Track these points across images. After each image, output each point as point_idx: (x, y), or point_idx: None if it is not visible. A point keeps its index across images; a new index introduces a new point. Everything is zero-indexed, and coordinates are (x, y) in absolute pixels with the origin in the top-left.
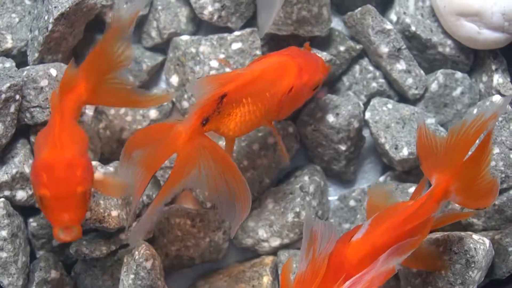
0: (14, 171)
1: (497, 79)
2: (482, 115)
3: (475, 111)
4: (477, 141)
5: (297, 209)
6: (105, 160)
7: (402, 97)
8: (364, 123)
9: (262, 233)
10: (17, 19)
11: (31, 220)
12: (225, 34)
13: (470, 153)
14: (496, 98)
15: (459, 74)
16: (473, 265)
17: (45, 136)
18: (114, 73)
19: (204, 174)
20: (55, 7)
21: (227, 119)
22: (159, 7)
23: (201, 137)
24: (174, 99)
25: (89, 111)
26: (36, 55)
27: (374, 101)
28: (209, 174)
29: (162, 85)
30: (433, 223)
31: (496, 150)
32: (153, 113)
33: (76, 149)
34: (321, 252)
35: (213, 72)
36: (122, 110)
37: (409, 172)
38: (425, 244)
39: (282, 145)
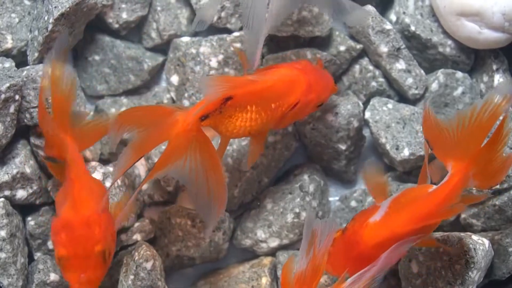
0: (14, 171)
1: (498, 79)
2: (492, 99)
3: None
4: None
5: (297, 210)
6: (104, 161)
7: (402, 97)
8: (364, 123)
9: (260, 233)
10: (17, 19)
11: (29, 218)
12: (225, 35)
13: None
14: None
15: (459, 74)
16: (472, 266)
17: (63, 194)
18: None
19: (188, 167)
20: (55, 7)
21: (227, 120)
22: (158, 8)
23: (196, 130)
24: (174, 98)
25: (89, 110)
26: (36, 55)
27: (374, 101)
28: (193, 168)
29: (163, 84)
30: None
31: None
32: None
33: (94, 205)
34: (320, 248)
35: (212, 72)
36: (123, 109)
37: (410, 172)
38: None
39: (254, 152)
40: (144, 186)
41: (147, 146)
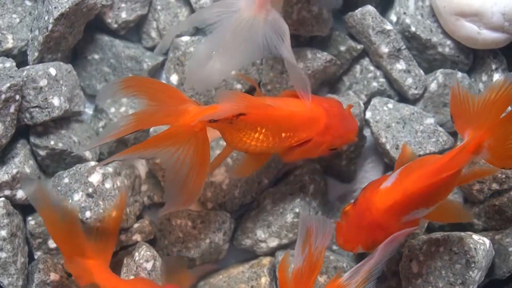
0: (14, 171)
1: (497, 78)
2: None
3: None
4: None
5: (297, 210)
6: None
7: (402, 97)
8: (365, 123)
9: (260, 233)
10: (17, 19)
11: (29, 218)
12: None
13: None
14: None
15: (458, 74)
16: (473, 265)
17: None
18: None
19: (176, 157)
20: (55, 7)
21: (234, 132)
22: (158, 7)
23: (200, 129)
24: None
25: (89, 109)
26: (36, 54)
27: (375, 101)
28: (180, 160)
29: None
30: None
31: None
32: None
33: None
34: (317, 246)
35: None
36: (123, 108)
37: None
38: (449, 199)
39: (248, 168)
40: (143, 188)
41: (150, 122)
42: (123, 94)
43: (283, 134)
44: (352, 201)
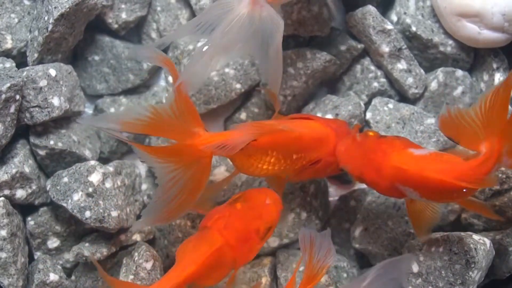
0: (14, 171)
1: (499, 78)
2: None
3: None
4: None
5: (298, 209)
6: (104, 160)
7: (403, 97)
8: (365, 123)
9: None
10: (16, 20)
11: (29, 218)
12: None
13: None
14: None
15: (459, 73)
16: (473, 266)
17: None
18: None
19: (172, 175)
20: (55, 7)
21: (245, 158)
22: (158, 9)
23: (206, 156)
24: None
25: (89, 109)
26: (36, 55)
27: (376, 101)
28: (175, 178)
29: (162, 83)
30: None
31: None
32: None
33: None
34: (319, 259)
35: (212, 72)
36: (122, 109)
37: None
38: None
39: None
40: (144, 187)
41: (161, 130)
42: (163, 64)
43: (294, 156)
44: (378, 133)
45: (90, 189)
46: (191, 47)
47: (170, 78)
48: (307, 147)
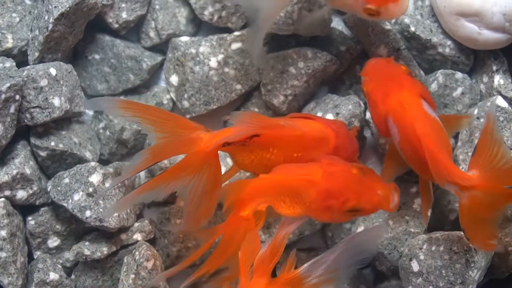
0: (14, 172)
1: (498, 80)
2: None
3: (475, 111)
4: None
5: None
6: (104, 161)
7: None
8: (365, 123)
9: (260, 234)
10: (17, 19)
11: (29, 218)
12: (225, 35)
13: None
14: (499, 100)
15: (459, 75)
16: (472, 265)
17: None
18: None
19: (191, 184)
20: (55, 7)
21: (246, 154)
22: (157, 7)
23: (214, 155)
24: (174, 98)
25: (89, 110)
26: (37, 54)
27: None
28: (195, 186)
29: (162, 84)
30: None
31: None
32: None
33: None
34: (282, 232)
35: (212, 72)
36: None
37: (411, 172)
38: None
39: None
40: None
41: (166, 153)
42: (123, 114)
43: (294, 154)
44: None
45: (91, 189)
46: (193, 50)
47: (171, 79)
48: (308, 146)
